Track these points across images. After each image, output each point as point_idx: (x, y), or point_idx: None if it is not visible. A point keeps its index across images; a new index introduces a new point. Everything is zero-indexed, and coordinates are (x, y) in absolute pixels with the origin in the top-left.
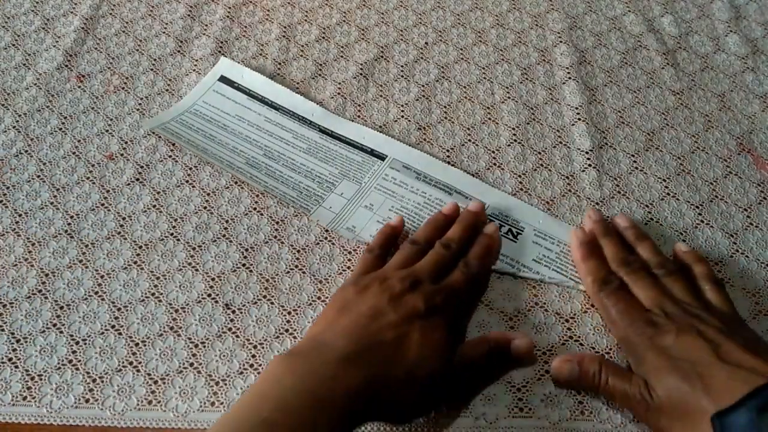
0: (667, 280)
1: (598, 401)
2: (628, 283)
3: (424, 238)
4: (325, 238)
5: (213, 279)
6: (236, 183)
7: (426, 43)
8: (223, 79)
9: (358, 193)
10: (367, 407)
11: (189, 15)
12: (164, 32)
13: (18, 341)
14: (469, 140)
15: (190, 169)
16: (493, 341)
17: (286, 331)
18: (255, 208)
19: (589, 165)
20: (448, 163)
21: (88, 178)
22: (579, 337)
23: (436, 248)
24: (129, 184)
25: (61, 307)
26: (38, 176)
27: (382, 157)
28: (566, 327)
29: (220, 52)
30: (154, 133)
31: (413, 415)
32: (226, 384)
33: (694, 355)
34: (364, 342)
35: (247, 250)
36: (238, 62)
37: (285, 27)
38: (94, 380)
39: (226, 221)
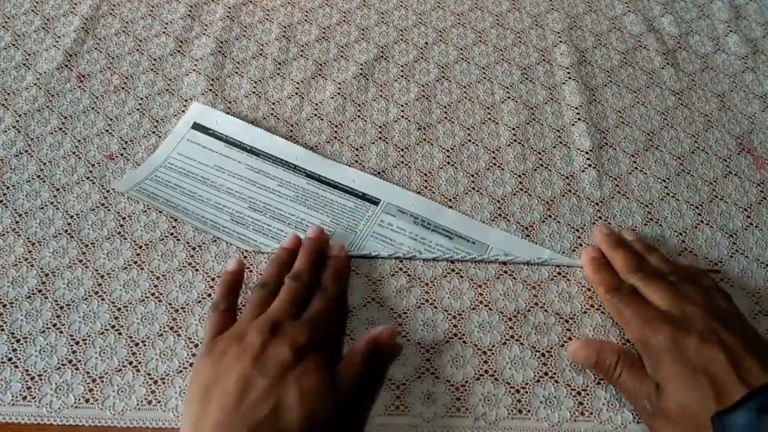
0: (681, 285)
1: (598, 402)
2: (642, 287)
3: (272, 277)
4: None
5: (213, 279)
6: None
7: (426, 43)
8: (197, 127)
9: (354, 243)
10: None
11: (189, 15)
12: (164, 32)
13: (18, 341)
14: (469, 140)
15: None
16: (362, 347)
17: None
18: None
19: (589, 165)
20: (448, 206)
21: (88, 178)
22: (578, 337)
23: (286, 284)
24: None
25: (61, 307)
26: (38, 176)
27: (375, 202)
28: (566, 328)
29: (220, 51)
30: (129, 197)
31: None
32: None
33: (714, 368)
34: (242, 429)
35: (246, 249)
36: (238, 62)
37: (285, 27)
38: (94, 380)
39: None
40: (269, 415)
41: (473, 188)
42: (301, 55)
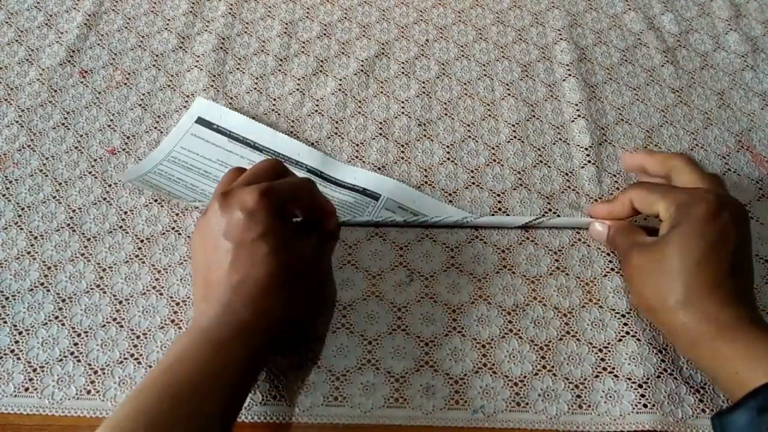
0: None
1: (596, 395)
2: (684, 167)
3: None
4: None
5: None
6: None
7: (427, 40)
8: (201, 121)
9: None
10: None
11: (191, 11)
12: (166, 28)
13: (20, 333)
14: (469, 137)
15: None
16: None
17: None
18: None
19: (589, 161)
20: (449, 201)
21: (90, 172)
22: (576, 332)
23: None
24: None
25: (63, 300)
26: (41, 170)
27: (375, 197)
28: (564, 322)
29: (221, 48)
30: (131, 191)
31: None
32: None
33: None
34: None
35: None
36: (240, 58)
37: (286, 23)
38: (95, 372)
39: None
40: (247, 274)
41: (473, 184)
42: (302, 52)
